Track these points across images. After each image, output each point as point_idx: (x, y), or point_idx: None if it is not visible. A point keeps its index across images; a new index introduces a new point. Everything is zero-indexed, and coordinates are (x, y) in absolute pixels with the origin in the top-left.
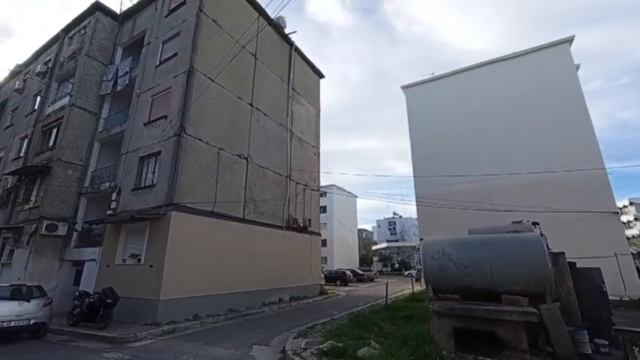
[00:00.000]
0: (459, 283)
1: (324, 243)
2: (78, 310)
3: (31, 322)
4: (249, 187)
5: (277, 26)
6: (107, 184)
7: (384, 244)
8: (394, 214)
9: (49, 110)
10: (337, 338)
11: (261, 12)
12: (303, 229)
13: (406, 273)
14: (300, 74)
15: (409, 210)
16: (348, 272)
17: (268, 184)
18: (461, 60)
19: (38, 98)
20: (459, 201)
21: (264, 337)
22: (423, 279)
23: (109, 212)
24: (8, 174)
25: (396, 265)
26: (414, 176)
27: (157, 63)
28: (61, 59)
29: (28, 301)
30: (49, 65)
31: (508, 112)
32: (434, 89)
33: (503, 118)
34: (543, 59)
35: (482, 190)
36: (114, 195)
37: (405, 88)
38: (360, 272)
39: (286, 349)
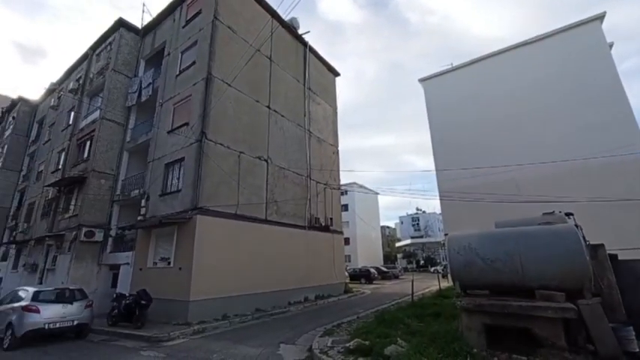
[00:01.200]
0: (487, 278)
1: (347, 241)
2: (116, 311)
3: (75, 323)
4: (270, 188)
5: (290, 27)
6: (136, 191)
7: (408, 241)
8: (417, 209)
9: (82, 124)
10: (363, 336)
11: (274, 14)
12: (326, 228)
13: (432, 269)
14: (315, 74)
15: (432, 205)
16: (372, 270)
17: (289, 185)
18: (480, 48)
19: (72, 113)
20: (484, 193)
21: (290, 335)
22: (449, 275)
23: (139, 218)
24: (49, 185)
25: (422, 262)
26: (436, 170)
27: (177, 72)
28: (91, 75)
29: (72, 304)
30: (80, 82)
31: (535, 98)
32: (453, 80)
33: (530, 104)
34: (572, 40)
35: (509, 182)
36: (143, 201)
37: (422, 80)
38: (385, 269)
39: (313, 347)
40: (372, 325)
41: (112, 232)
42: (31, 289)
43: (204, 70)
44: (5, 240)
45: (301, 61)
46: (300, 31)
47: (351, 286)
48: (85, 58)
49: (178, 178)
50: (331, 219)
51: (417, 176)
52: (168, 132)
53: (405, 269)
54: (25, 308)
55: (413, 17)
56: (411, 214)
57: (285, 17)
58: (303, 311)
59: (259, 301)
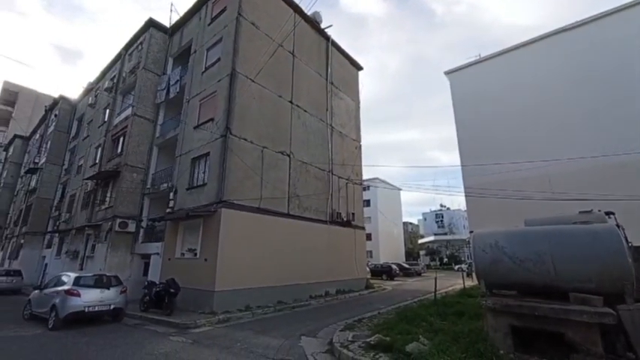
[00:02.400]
0: (515, 278)
1: (368, 237)
2: (147, 297)
3: (111, 307)
4: (293, 182)
5: (313, 22)
6: (165, 185)
7: (431, 238)
8: (441, 206)
9: (116, 121)
10: (385, 332)
11: (297, 9)
12: (347, 223)
13: (456, 267)
14: (338, 68)
15: (457, 201)
16: (394, 266)
17: (311, 179)
18: (509, 38)
19: (107, 111)
20: (513, 190)
21: (311, 328)
22: (474, 274)
23: (167, 210)
24: (87, 179)
25: (445, 259)
26: (462, 165)
27: (203, 69)
28: (124, 74)
29: (108, 289)
30: (114, 81)
31: (569, 89)
32: (481, 72)
33: (564, 96)
34: (613, 25)
35: (541, 178)
36: (171, 194)
37: (448, 73)
38: (407, 266)
39: (333, 341)
40: (393, 321)
41: (143, 224)
42: (73, 275)
43: (229, 66)
44: (50, 229)
45: (324, 56)
46: (322, 25)
47: (372, 281)
48: (119, 57)
49: (204, 172)
50: (353, 214)
51: (441, 172)
52: (195, 127)
53: (428, 266)
54: (68, 292)
55: (438, 8)
56: (434, 211)
57: (308, 11)
58: (324, 305)
59: (281, 293)
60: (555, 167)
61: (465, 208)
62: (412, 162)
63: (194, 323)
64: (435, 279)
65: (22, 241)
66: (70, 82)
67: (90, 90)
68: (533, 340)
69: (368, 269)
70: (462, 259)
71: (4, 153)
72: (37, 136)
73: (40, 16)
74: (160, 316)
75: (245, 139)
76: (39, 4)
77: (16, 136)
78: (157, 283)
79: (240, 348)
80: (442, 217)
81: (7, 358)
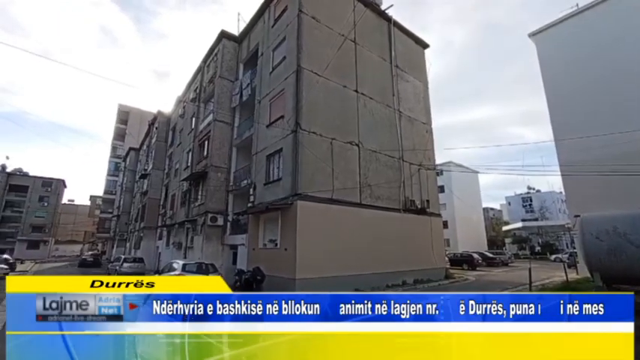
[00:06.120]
0: None
1: (444, 224)
2: (238, 284)
3: None
4: (363, 172)
5: (373, 4)
6: (245, 182)
7: (519, 224)
8: (529, 188)
9: (201, 127)
10: None
11: None
12: (422, 211)
13: (553, 257)
14: (402, 49)
15: (549, 182)
16: (475, 255)
17: (381, 168)
18: None
19: (193, 119)
20: (625, 165)
21: None
22: (580, 264)
23: (249, 205)
24: (182, 180)
25: (537, 248)
26: (556, 140)
27: (270, 70)
28: (204, 84)
29: (207, 274)
30: (197, 91)
31: None
32: (576, 27)
33: None
34: None
35: None
36: (251, 190)
37: (533, 35)
38: (491, 255)
39: None
40: None
41: (229, 218)
42: (181, 262)
43: (294, 63)
44: (159, 224)
45: (386, 39)
46: (382, 7)
47: (451, 271)
48: (199, 70)
49: (278, 168)
50: (427, 201)
51: (526, 150)
52: (267, 126)
53: (516, 256)
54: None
55: None
56: (520, 194)
57: None
58: None
59: (358, 282)
60: None
61: (562, 190)
62: (490, 141)
63: None
64: (530, 269)
65: (142, 234)
66: (164, 97)
67: (179, 102)
68: None
69: (446, 258)
70: (560, 247)
71: (123, 163)
72: (145, 146)
73: (137, 46)
74: None
75: (314, 133)
76: (136, 37)
77: (130, 148)
78: (245, 270)
79: None
80: (530, 200)
81: None
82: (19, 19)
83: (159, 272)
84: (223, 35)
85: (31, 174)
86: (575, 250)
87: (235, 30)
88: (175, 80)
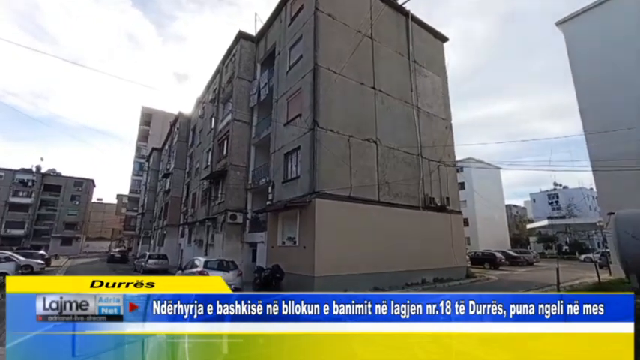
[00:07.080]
0: None
1: (465, 222)
2: (258, 280)
3: (232, 287)
4: (381, 169)
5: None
6: (263, 180)
7: (544, 222)
8: (555, 184)
9: (220, 127)
10: None
11: None
12: (442, 209)
13: (582, 257)
14: (419, 44)
15: (579, 178)
16: (498, 254)
17: (400, 165)
18: None
19: (213, 119)
20: None
21: None
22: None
23: (267, 203)
24: (203, 179)
25: (565, 247)
26: (586, 134)
27: (287, 69)
28: (222, 85)
29: (228, 272)
30: (216, 92)
31: None
32: (609, 13)
33: None
34: None
35: None
36: (269, 188)
37: (561, 23)
38: (514, 254)
39: None
40: None
41: (249, 216)
42: (202, 259)
43: (311, 61)
44: (181, 222)
45: (403, 34)
46: (399, 1)
47: (473, 270)
48: (218, 71)
49: (296, 166)
50: (447, 198)
51: (552, 145)
52: (284, 125)
53: (542, 255)
54: (200, 273)
55: None
56: (545, 191)
57: None
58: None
59: (377, 280)
60: None
61: (593, 186)
62: (512, 137)
63: None
64: (557, 269)
65: (165, 232)
66: (184, 99)
67: (199, 103)
68: None
69: (467, 257)
70: (590, 247)
71: (147, 163)
72: (167, 147)
73: (158, 50)
74: None
75: (332, 131)
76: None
77: (153, 149)
78: (265, 268)
79: None
80: (557, 197)
81: None
82: (47, 27)
83: (181, 269)
84: (241, 36)
85: (63, 174)
86: (607, 250)
87: (252, 31)
88: (195, 82)
